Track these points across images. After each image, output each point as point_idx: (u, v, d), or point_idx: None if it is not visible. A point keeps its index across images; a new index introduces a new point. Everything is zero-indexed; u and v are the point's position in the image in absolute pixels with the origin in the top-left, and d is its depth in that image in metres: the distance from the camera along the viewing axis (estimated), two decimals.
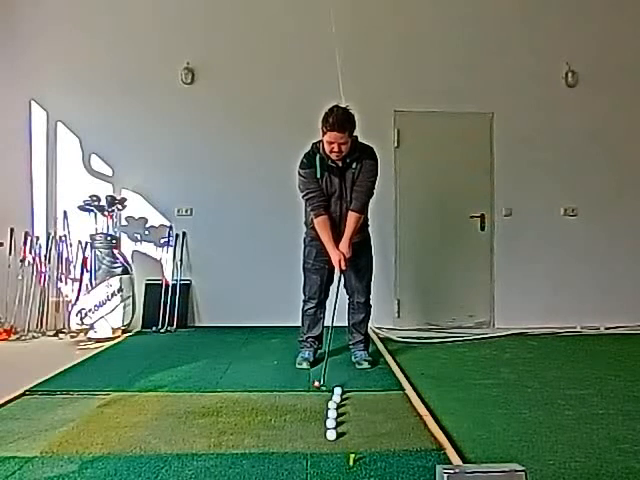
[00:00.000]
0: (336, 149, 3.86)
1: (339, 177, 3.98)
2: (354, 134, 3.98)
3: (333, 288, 4.23)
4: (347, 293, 4.30)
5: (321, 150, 3.97)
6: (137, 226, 5.94)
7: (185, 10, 5.94)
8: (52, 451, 2.60)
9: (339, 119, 3.81)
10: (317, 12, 5.43)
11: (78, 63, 5.86)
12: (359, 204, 4.01)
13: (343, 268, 4.01)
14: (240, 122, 5.94)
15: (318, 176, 3.98)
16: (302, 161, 4.04)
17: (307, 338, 4.31)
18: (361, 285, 4.25)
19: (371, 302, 4.34)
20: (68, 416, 3.08)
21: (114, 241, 5.53)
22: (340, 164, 3.96)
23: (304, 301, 4.33)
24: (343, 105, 3.95)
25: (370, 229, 4.32)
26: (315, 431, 2.85)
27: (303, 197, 4.08)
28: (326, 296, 4.30)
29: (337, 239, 4.02)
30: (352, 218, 4.00)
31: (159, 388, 3.63)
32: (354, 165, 3.97)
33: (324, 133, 3.87)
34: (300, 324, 4.38)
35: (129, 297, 5.50)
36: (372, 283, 4.33)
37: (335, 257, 3.98)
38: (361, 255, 4.18)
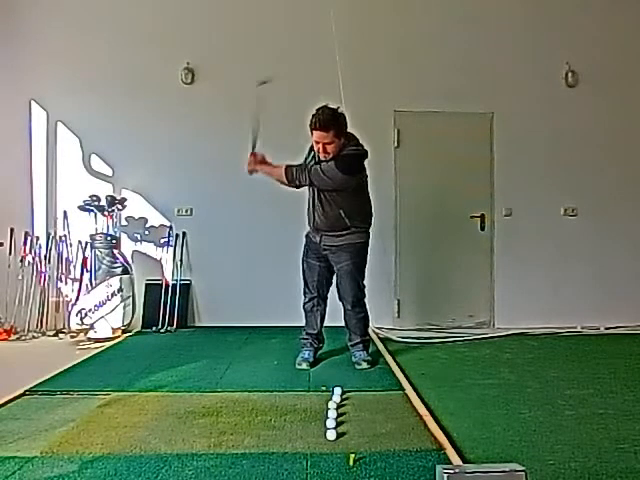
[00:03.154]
0: (321, 149, 3.93)
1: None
2: (353, 137, 4.02)
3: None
4: (338, 297, 4.30)
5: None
6: (137, 226, 5.93)
7: (185, 10, 5.94)
8: (52, 451, 2.60)
9: (323, 119, 3.87)
10: (317, 12, 5.43)
11: (78, 63, 5.86)
12: (298, 169, 4.06)
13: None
14: (240, 122, 5.91)
15: (308, 162, 4.10)
16: (310, 145, 4.17)
17: (306, 334, 4.33)
18: (346, 293, 4.21)
19: (362, 308, 4.28)
20: (68, 416, 3.09)
21: (114, 241, 5.53)
22: (324, 159, 3.99)
23: (303, 297, 4.38)
24: (334, 106, 3.97)
25: (363, 236, 4.19)
26: (315, 431, 2.85)
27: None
28: (322, 294, 4.30)
29: (320, 229, 4.15)
30: (284, 169, 4.07)
31: (159, 388, 3.64)
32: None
33: (311, 132, 3.94)
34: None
35: (129, 297, 5.50)
36: (359, 291, 4.23)
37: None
38: (348, 261, 4.14)
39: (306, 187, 4.16)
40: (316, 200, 4.11)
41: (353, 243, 4.15)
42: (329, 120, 3.88)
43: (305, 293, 4.35)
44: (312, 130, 3.91)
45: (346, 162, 3.95)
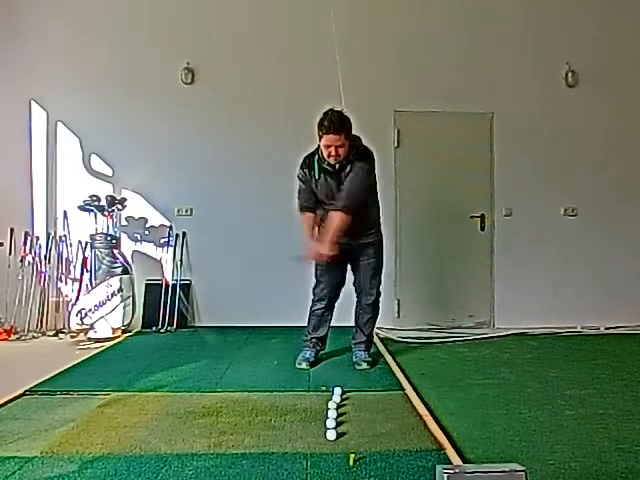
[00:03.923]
0: (333, 153, 3.87)
1: (335, 179, 3.99)
2: (358, 137, 4.02)
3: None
4: (356, 293, 4.30)
5: (320, 153, 3.98)
6: (137, 226, 5.93)
7: (185, 10, 5.94)
8: (52, 451, 2.60)
9: (334, 122, 3.84)
10: (317, 12, 5.43)
11: (78, 63, 5.86)
12: (342, 203, 3.93)
13: (318, 258, 3.99)
14: (240, 122, 5.94)
15: (316, 177, 3.99)
16: (302, 162, 4.10)
17: (311, 338, 4.30)
18: (370, 287, 4.24)
19: (377, 306, 4.32)
20: (68, 416, 3.08)
21: (114, 241, 5.53)
22: (337, 167, 3.95)
23: (313, 301, 4.30)
24: (338, 108, 3.96)
25: (380, 234, 4.28)
26: (315, 431, 2.85)
27: (298, 195, 4.14)
28: (336, 297, 4.29)
29: (350, 236, 4.04)
30: (335, 217, 3.92)
31: (159, 388, 3.63)
32: (348, 167, 3.96)
33: (320, 137, 3.89)
34: (307, 323, 4.35)
35: (129, 297, 5.50)
36: (379, 289, 4.30)
37: (311, 247, 3.98)
38: (373, 257, 4.20)
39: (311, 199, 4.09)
40: (330, 201, 4.02)
41: (376, 241, 4.23)
42: (340, 123, 3.85)
43: (319, 299, 4.25)
44: (323, 134, 3.85)
45: (367, 157, 4.00)
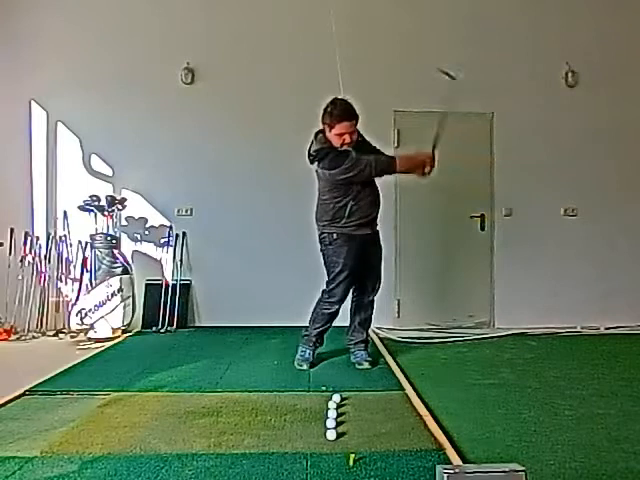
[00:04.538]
0: (348, 140, 3.90)
1: (364, 147, 4.08)
2: None
3: None
4: (357, 290, 4.26)
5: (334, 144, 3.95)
6: (137, 226, 5.93)
7: (185, 10, 5.94)
8: (52, 451, 2.60)
9: (345, 109, 3.89)
10: (317, 12, 5.43)
11: (78, 63, 5.86)
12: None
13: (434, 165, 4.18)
14: (240, 122, 5.94)
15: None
16: (338, 159, 3.93)
17: (314, 335, 4.24)
18: (377, 283, 4.27)
19: (374, 303, 4.34)
20: (68, 416, 3.09)
21: (114, 241, 5.53)
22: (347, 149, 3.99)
23: (330, 302, 4.17)
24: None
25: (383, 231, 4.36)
26: (315, 431, 2.85)
27: (352, 166, 3.91)
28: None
29: (373, 219, 4.14)
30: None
31: (159, 388, 3.64)
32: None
33: (331, 127, 3.88)
34: (312, 321, 4.27)
35: (129, 297, 5.50)
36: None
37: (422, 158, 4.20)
38: (376, 252, 4.23)
39: (333, 188, 4.04)
40: (361, 192, 4.02)
41: (379, 234, 4.29)
42: (351, 109, 3.91)
43: (339, 300, 4.15)
44: (336, 124, 3.85)
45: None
